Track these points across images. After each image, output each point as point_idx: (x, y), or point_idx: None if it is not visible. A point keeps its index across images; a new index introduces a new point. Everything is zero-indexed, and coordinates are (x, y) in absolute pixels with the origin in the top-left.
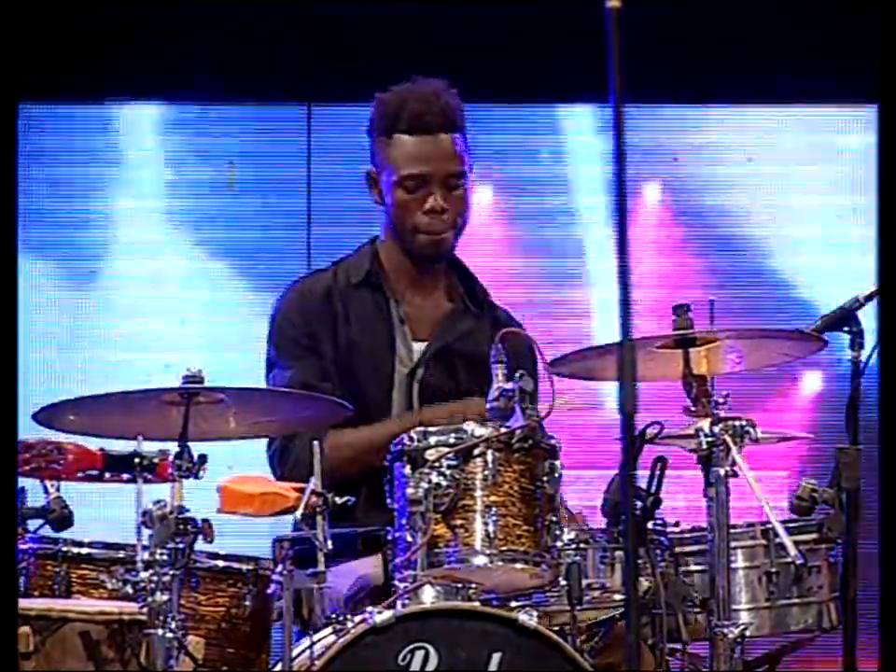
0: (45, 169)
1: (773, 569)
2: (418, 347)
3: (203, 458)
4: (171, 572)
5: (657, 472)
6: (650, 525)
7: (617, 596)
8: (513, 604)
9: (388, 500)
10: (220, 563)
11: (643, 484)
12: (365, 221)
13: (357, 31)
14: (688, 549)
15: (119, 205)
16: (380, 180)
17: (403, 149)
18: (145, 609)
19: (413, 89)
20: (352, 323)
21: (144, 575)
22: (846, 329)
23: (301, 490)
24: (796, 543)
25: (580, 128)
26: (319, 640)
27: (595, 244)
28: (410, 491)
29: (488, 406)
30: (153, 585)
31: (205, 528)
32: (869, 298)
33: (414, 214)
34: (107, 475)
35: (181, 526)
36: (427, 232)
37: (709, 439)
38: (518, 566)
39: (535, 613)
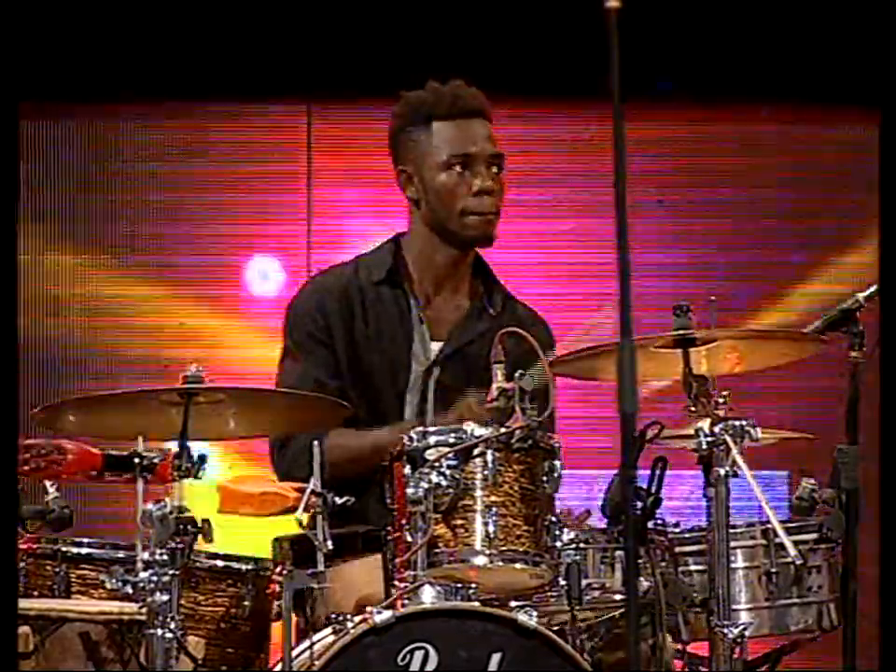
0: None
1: (773, 569)
2: (436, 347)
3: (202, 458)
4: (170, 572)
5: (657, 472)
6: (650, 524)
7: (617, 596)
8: (513, 604)
9: (388, 500)
10: (220, 563)
11: (644, 484)
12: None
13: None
14: (688, 549)
15: (117, 200)
16: (416, 175)
17: (445, 133)
18: (144, 609)
19: (439, 84)
20: (370, 320)
21: (143, 575)
22: (846, 329)
23: (302, 490)
24: (796, 543)
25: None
26: (319, 640)
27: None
28: (410, 491)
29: (488, 406)
30: (153, 585)
31: (205, 528)
32: (869, 298)
33: (462, 196)
34: (107, 475)
35: (181, 526)
36: (478, 213)
37: (710, 439)
38: (518, 566)
39: (535, 613)
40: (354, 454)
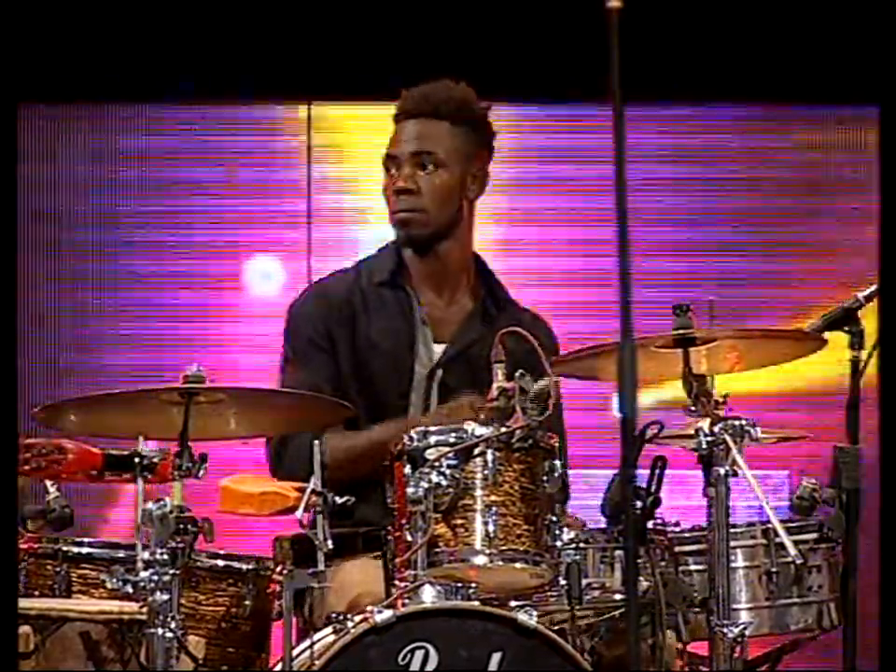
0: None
1: (773, 569)
2: (439, 349)
3: (203, 458)
4: (171, 572)
5: (657, 472)
6: (650, 524)
7: (617, 596)
8: (513, 603)
9: (388, 499)
10: (220, 562)
11: (644, 484)
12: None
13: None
14: (688, 548)
15: (118, 205)
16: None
17: (392, 136)
18: (145, 609)
19: (423, 86)
20: (373, 322)
21: (144, 574)
22: (846, 328)
23: (302, 489)
24: (796, 543)
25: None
26: (319, 640)
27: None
28: (410, 490)
29: (488, 405)
30: (153, 585)
31: (206, 527)
32: (869, 298)
33: (389, 196)
34: (107, 475)
35: (181, 526)
36: (395, 212)
37: (709, 438)
38: (518, 565)
39: (535, 613)
40: (352, 453)
